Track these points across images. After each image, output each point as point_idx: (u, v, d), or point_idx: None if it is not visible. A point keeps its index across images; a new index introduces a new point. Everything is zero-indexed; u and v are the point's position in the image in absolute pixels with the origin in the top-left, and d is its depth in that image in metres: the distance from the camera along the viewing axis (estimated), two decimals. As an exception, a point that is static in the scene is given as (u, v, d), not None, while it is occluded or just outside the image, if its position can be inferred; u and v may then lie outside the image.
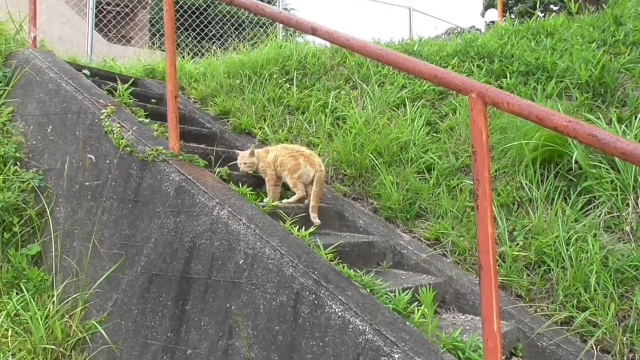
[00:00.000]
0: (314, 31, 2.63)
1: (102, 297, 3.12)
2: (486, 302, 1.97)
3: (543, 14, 5.59)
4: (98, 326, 2.95)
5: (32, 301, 2.98)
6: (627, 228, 3.13)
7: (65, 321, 3.00)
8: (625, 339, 2.72)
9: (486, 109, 2.03)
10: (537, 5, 5.75)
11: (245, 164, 3.59)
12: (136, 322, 2.93)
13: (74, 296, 3.12)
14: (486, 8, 14.83)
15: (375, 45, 2.41)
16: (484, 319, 1.97)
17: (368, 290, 2.53)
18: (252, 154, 3.61)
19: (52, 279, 3.30)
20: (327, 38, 2.61)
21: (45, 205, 3.49)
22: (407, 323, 2.33)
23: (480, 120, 2.01)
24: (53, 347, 2.88)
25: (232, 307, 2.62)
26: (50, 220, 3.46)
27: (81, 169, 3.48)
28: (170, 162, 3.19)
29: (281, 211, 3.16)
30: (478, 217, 2.00)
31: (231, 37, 7.99)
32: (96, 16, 7.73)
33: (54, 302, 3.04)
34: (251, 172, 3.64)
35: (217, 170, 3.44)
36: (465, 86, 2.07)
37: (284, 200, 3.53)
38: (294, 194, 3.56)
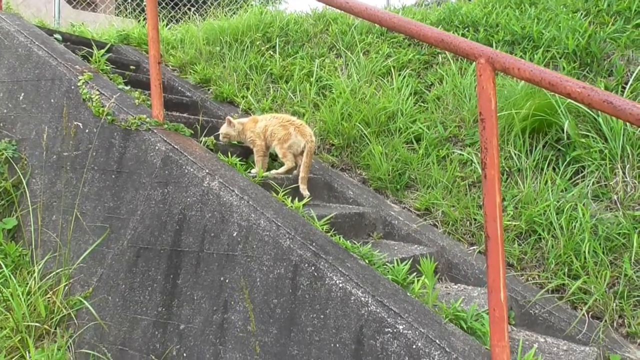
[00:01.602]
0: (310, -7, 2.50)
1: (87, 272, 3.00)
2: (493, 272, 1.95)
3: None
4: (84, 301, 2.84)
5: (12, 277, 2.84)
6: (615, 197, 3.17)
7: (49, 297, 2.87)
8: (615, 305, 2.77)
9: (495, 75, 1.98)
10: None
11: (221, 134, 3.48)
12: (124, 297, 2.83)
13: (56, 271, 2.98)
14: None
15: (377, 8, 2.31)
16: (491, 289, 1.96)
17: (367, 261, 2.49)
18: (229, 124, 3.48)
19: (31, 253, 3.15)
20: (324, 0, 2.49)
21: (21, 176, 3.31)
22: (408, 294, 2.30)
23: (489, 86, 1.96)
24: (37, 324, 2.75)
25: (227, 281, 2.54)
26: (27, 192, 3.29)
27: (58, 138, 3.30)
28: (155, 131, 3.05)
29: (272, 182, 3.07)
30: (486, 186, 1.96)
31: (206, 3, 7.70)
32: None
33: (35, 278, 2.90)
34: (233, 141, 3.51)
35: (203, 139, 3.32)
36: (473, 51, 2.00)
37: (273, 172, 3.44)
38: (282, 165, 3.47)
